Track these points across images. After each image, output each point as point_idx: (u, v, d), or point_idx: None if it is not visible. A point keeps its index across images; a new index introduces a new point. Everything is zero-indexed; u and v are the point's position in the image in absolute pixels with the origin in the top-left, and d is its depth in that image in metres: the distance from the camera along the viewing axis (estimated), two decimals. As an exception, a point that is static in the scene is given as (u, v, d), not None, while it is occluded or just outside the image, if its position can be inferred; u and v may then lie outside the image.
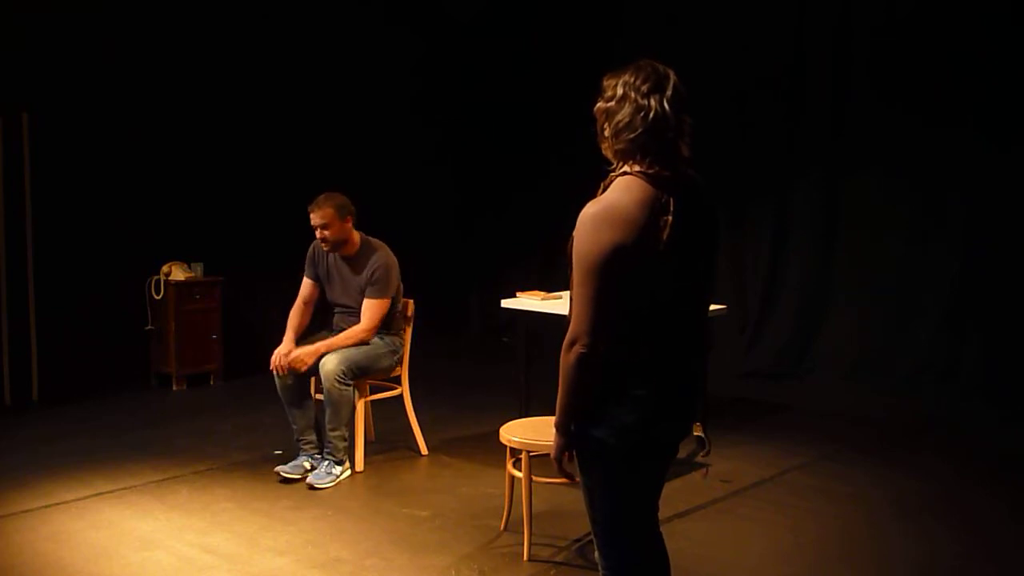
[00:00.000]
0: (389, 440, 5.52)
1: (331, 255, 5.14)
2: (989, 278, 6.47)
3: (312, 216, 4.98)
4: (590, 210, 2.35)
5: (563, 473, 2.56)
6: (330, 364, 4.86)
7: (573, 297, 2.39)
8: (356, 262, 5.10)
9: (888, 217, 6.89)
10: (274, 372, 4.93)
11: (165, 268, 7.13)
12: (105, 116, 6.96)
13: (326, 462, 4.91)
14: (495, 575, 3.80)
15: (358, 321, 5.05)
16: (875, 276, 6.96)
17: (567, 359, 2.36)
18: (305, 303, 5.20)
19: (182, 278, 7.12)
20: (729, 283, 7.66)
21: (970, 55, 6.44)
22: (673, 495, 4.62)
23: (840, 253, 7.18)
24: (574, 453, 2.50)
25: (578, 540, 4.06)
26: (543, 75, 8.40)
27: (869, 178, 6.97)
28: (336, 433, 4.90)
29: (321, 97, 7.95)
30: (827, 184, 7.19)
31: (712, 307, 5.30)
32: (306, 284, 5.22)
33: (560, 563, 3.91)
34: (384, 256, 5.09)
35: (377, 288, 5.02)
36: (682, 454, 5.23)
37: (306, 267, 5.24)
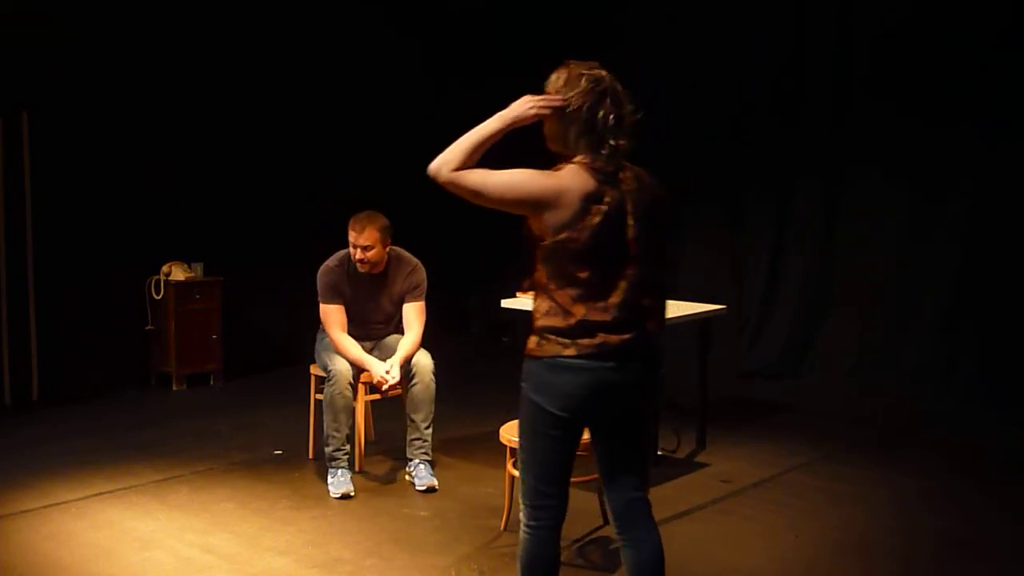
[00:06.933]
0: (389, 440, 5.50)
1: (353, 276, 5.00)
2: (989, 278, 6.47)
3: (355, 236, 4.83)
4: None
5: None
6: (426, 359, 4.85)
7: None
8: (385, 276, 5.02)
9: (888, 217, 6.89)
10: (338, 391, 4.74)
11: (165, 268, 7.13)
12: (105, 116, 6.95)
13: (423, 464, 4.87)
14: (495, 575, 3.80)
15: (392, 331, 5.09)
16: (875, 276, 6.96)
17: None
18: (343, 327, 4.92)
19: (182, 278, 7.11)
20: (729, 283, 7.66)
21: (970, 55, 6.43)
22: (673, 495, 4.63)
23: (840, 253, 7.18)
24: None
25: (578, 540, 4.06)
26: (541, 75, 8.39)
27: (869, 178, 6.97)
28: (431, 431, 4.91)
29: (321, 99, 7.93)
30: (827, 184, 7.19)
31: (712, 307, 5.37)
32: (336, 309, 4.92)
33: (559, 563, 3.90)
34: (416, 261, 5.08)
35: (421, 291, 5.03)
36: (682, 454, 5.29)
37: (328, 293, 4.93)
